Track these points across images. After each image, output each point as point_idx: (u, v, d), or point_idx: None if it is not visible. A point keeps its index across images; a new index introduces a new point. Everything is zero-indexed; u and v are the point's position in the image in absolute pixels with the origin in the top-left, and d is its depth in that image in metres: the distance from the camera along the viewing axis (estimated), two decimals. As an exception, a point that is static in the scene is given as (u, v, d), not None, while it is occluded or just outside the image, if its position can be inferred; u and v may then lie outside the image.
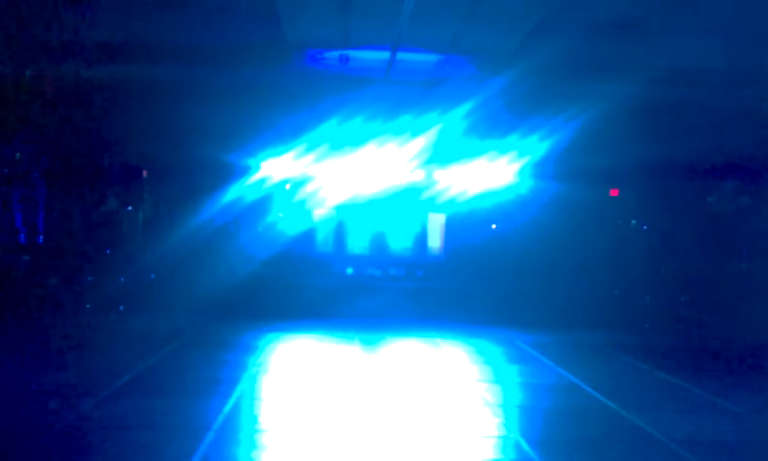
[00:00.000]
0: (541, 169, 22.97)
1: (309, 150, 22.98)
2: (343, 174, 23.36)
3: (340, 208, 24.23)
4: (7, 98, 19.84)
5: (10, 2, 15.71)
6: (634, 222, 24.16)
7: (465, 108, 21.52)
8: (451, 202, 23.85)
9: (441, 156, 23.33)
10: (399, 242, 24.49)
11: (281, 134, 22.75)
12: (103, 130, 21.59)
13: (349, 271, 23.84)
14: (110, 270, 21.93)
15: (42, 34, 17.24)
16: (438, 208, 24.17)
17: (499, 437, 10.63)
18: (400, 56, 19.06)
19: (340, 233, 24.32)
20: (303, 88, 21.81)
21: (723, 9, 15.16)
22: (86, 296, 21.22)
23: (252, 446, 9.81)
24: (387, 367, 15.40)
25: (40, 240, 21.73)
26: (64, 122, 20.93)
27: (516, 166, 23.15)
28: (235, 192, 23.09)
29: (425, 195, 23.95)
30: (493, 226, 23.59)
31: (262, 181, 23.18)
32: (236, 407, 11.59)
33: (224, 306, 20.89)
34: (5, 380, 12.88)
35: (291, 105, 22.15)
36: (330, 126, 22.43)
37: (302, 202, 23.62)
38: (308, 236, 24.01)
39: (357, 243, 24.42)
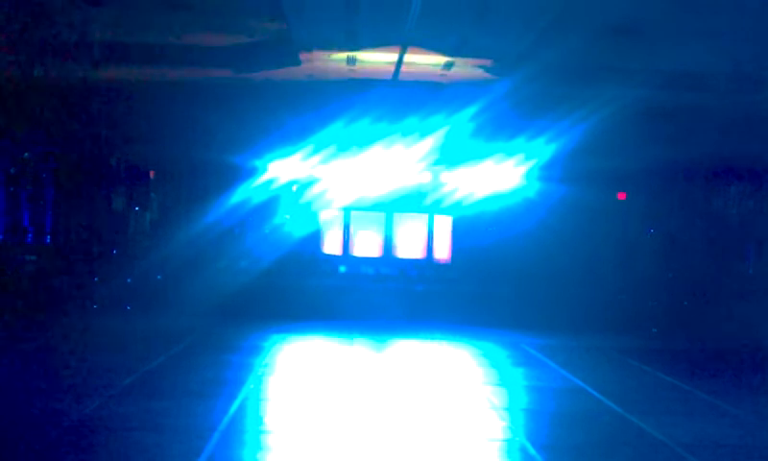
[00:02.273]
0: (548, 172, 22.93)
1: (316, 152, 22.99)
2: (349, 176, 23.36)
3: (346, 210, 24.23)
4: (15, 98, 19.90)
5: (17, 3, 15.76)
6: (640, 225, 24.11)
7: (472, 110, 21.50)
8: (458, 204, 23.83)
9: (448, 158, 23.31)
10: (406, 244, 24.48)
11: (288, 136, 22.76)
12: (110, 130, 21.67)
13: (355, 273, 23.83)
14: (117, 270, 21.98)
15: (49, 35, 17.29)
16: (445, 211, 24.15)
17: (505, 440, 10.62)
18: (408, 57, 19.06)
19: (346, 235, 24.31)
20: (310, 90, 21.83)
21: (729, 12, 15.13)
22: (93, 296, 21.27)
23: (258, 447, 9.82)
24: (393, 369, 15.39)
25: (47, 240, 21.81)
26: (72, 123, 21.00)
27: (524, 169, 23.13)
28: (242, 194, 23.11)
29: (432, 197, 23.93)
30: (495, 227, 23.54)
31: (269, 182, 23.20)
32: (242, 409, 11.60)
33: (230, 308, 20.91)
34: (10, 380, 12.91)
35: (297, 106, 22.16)
36: (337, 127, 22.43)
37: (309, 203, 23.62)
38: (314, 238, 24.01)
39: (364, 245, 24.41)
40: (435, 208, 24.19)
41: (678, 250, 23.13)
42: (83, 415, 10.84)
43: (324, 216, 24.11)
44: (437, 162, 23.44)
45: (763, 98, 19.26)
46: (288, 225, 23.67)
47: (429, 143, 22.82)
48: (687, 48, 16.96)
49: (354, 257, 24.24)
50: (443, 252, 24.51)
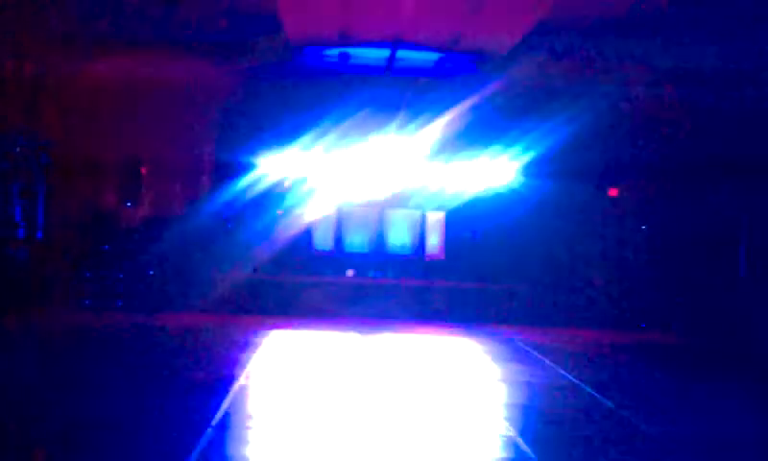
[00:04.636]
0: (541, 168, 22.96)
1: (309, 147, 22.98)
2: (342, 171, 23.36)
3: (339, 206, 24.23)
4: (7, 92, 19.85)
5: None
6: (633, 222, 24.15)
7: (464, 105, 21.52)
8: (451, 200, 23.85)
9: (440, 153, 23.31)
10: (399, 240, 24.49)
11: (280, 132, 22.74)
12: (102, 125, 21.62)
13: (349, 269, 23.83)
14: (109, 266, 21.94)
15: (43, 28, 17.24)
16: (437, 206, 24.18)
17: (497, 436, 10.63)
18: (400, 54, 19.07)
19: (339, 231, 24.32)
20: (303, 86, 21.81)
21: (724, 9, 15.17)
22: (85, 291, 21.24)
23: (251, 442, 9.82)
24: (386, 366, 15.40)
25: (39, 235, 21.76)
26: (65, 118, 20.95)
27: (516, 164, 23.16)
28: (234, 189, 23.10)
29: (425, 193, 23.94)
30: (488, 223, 23.55)
31: (261, 178, 23.19)
32: (234, 404, 11.59)
33: (222, 304, 20.90)
34: (0, 375, 12.88)
35: (290, 102, 22.14)
36: (329, 123, 22.42)
37: (301, 199, 23.62)
38: (307, 234, 24.01)
39: (356, 241, 24.42)
40: (427, 204, 24.20)
41: (670, 247, 23.18)
42: (75, 410, 10.82)
43: (317, 212, 24.10)
44: (429, 158, 23.45)
45: (759, 94, 19.32)
46: (280, 220, 23.66)
47: (422, 139, 22.83)
48: (682, 44, 17.00)
49: (347, 253, 24.24)
50: (435, 247, 24.53)
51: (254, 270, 22.51)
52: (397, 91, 22.04)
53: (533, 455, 9.67)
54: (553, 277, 22.62)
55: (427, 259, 24.29)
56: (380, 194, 23.85)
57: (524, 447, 10.00)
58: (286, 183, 23.49)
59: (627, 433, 10.95)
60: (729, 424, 11.65)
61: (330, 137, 22.74)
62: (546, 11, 15.33)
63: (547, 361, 16.08)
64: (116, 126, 21.69)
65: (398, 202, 24.13)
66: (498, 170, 23.26)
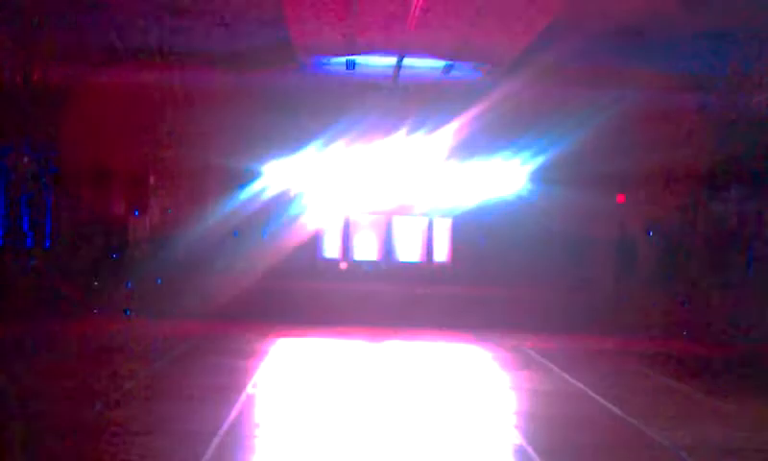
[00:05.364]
0: (548, 174, 22.96)
1: (316, 155, 23.00)
2: (349, 179, 23.36)
3: (346, 214, 24.23)
4: (14, 103, 19.91)
5: (18, 7, 15.77)
6: (639, 228, 24.11)
7: (471, 113, 21.52)
8: (457, 207, 23.84)
9: (447, 160, 23.32)
10: (405, 247, 24.47)
11: (287, 140, 22.77)
12: (109, 135, 21.67)
13: (355, 277, 23.81)
14: (117, 274, 21.97)
15: (50, 39, 17.29)
16: (444, 213, 24.17)
17: (505, 444, 10.61)
18: (407, 61, 19.08)
19: (346, 239, 24.31)
20: (310, 94, 21.85)
21: (727, 14, 15.16)
22: (92, 300, 21.27)
23: (258, 452, 9.80)
24: (393, 373, 15.38)
25: (47, 244, 21.81)
26: (72, 127, 21.02)
27: (524, 171, 23.15)
28: (241, 197, 23.12)
29: (431, 200, 23.93)
30: (495, 229, 23.51)
31: (268, 186, 23.20)
32: (242, 413, 11.58)
33: (229, 312, 20.87)
34: (10, 384, 12.89)
35: (298, 110, 22.17)
36: (337, 131, 22.44)
37: (308, 207, 23.63)
38: (314, 242, 24.00)
39: (363, 249, 24.41)
40: (434, 211, 24.20)
41: (677, 252, 23.13)
42: (85, 419, 10.82)
43: (324, 220, 24.11)
44: (436, 165, 23.46)
45: (763, 100, 19.29)
46: (288, 228, 23.67)
47: (429, 146, 22.84)
48: (687, 50, 16.99)
49: (354, 261, 24.24)
50: (442, 254, 24.51)
51: (262, 278, 22.49)
52: (404, 99, 22.05)
53: (541, 463, 9.65)
54: (561, 283, 22.57)
55: (434, 266, 24.27)
56: (387, 201, 23.84)
57: (533, 455, 9.96)
58: (293, 191, 23.51)
59: (636, 441, 10.90)
60: (740, 432, 11.61)
61: (337, 145, 22.76)
62: (553, 17, 15.32)
63: (556, 368, 16.03)
64: (123, 135, 21.74)
65: (405, 208, 24.12)
66: (506, 176, 23.25)
